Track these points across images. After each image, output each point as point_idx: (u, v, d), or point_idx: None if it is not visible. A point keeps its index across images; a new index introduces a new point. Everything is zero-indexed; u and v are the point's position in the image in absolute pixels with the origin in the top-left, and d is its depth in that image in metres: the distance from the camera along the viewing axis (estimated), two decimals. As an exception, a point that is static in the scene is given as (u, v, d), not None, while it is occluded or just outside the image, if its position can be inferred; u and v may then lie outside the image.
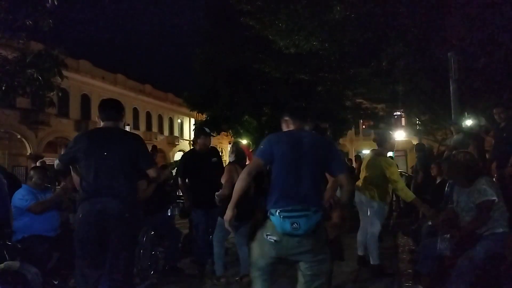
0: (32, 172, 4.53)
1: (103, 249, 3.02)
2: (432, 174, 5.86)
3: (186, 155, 5.95)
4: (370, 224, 4.68)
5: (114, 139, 3.16)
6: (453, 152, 3.86)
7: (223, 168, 4.79)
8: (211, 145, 5.37)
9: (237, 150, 4.76)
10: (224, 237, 4.60)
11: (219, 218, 4.44)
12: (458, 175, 3.47)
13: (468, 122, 7.80)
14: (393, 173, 4.53)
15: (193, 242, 5.31)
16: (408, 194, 4.52)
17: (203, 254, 4.99)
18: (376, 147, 4.93)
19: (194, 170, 5.09)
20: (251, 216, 4.55)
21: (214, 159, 5.14)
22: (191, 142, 38.77)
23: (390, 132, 5.30)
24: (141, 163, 3.19)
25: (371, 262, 4.68)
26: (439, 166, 5.58)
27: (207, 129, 5.52)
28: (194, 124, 24.10)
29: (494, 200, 3.30)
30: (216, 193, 4.26)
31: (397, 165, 5.66)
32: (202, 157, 5.10)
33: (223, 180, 4.37)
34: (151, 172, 3.25)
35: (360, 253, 4.88)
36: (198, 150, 5.26)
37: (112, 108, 3.32)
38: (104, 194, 3.03)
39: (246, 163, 4.60)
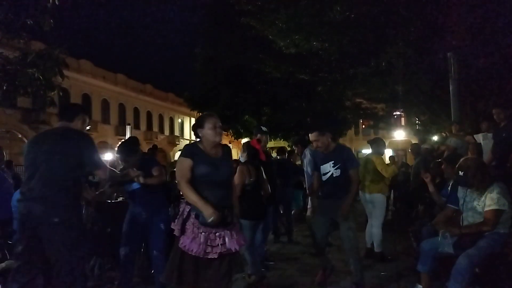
0: None
1: (38, 253, 2.93)
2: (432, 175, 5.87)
3: None
4: (374, 216, 5.53)
5: (53, 140, 3.05)
6: (464, 157, 3.89)
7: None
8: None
9: (248, 149, 4.73)
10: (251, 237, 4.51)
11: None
12: (473, 180, 3.49)
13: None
14: (378, 164, 5.47)
15: None
16: (390, 172, 5.55)
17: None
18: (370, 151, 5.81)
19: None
20: (263, 215, 4.60)
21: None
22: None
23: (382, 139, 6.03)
24: (87, 165, 3.08)
25: (375, 250, 5.50)
26: (440, 166, 5.59)
27: (264, 128, 5.51)
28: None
29: (505, 210, 3.33)
30: None
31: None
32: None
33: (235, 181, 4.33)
34: (99, 174, 3.16)
35: (368, 245, 5.65)
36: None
37: (66, 109, 3.30)
38: (30, 197, 2.93)
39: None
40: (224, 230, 2.82)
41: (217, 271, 2.81)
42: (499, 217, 3.35)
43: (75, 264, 2.95)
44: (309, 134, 4.32)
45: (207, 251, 2.76)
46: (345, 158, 4.19)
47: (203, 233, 2.77)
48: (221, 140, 3.00)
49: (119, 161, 4.36)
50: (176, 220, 2.91)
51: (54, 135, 3.12)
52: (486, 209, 3.39)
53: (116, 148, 4.44)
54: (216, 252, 2.78)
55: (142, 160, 4.21)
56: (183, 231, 2.84)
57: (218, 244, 2.79)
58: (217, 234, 2.80)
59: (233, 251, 2.87)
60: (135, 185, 3.99)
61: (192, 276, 2.79)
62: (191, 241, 2.77)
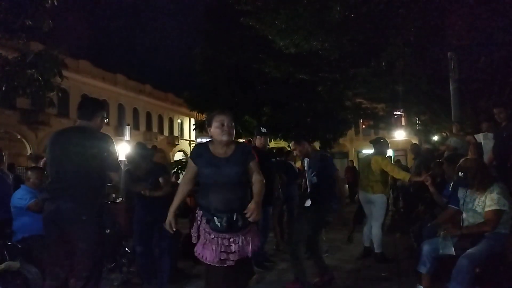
0: (29, 173, 4.55)
1: (67, 249, 3.00)
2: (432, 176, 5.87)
3: None
4: (374, 216, 5.49)
5: (78, 139, 3.08)
6: (465, 158, 3.88)
7: None
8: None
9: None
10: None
11: None
12: (473, 181, 3.48)
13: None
14: (386, 165, 5.33)
15: None
16: (404, 175, 5.28)
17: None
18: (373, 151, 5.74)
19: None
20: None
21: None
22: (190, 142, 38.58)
23: (386, 139, 6.00)
24: (105, 165, 3.10)
25: (375, 251, 5.47)
26: (440, 166, 5.58)
27: (263, 129, 5.48)
28: (194, 124, 24.10)
29: (505, 210, 3.32)
30: None
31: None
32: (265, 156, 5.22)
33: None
34: (114, 176, 3.18)
35: (366, 244, 5.70)
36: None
37: (85, 107, 3.28)
38: (59, 195, 3.00)
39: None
40: (238, 234, 2.67)
41: (236, 278, 2.70)
42: (500, 218, 3.34)
43: (98, 260, 3.05)
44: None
45: (222, 258, 2.63)
46: (321, 166, 4.23)
47: (214, 239, 2.65)
48: (229, 139, 2.77)
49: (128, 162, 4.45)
50: (193, 227, 2.86)
51: (77, 134, 3.14)
52: (487, 209, 3.38)
53: (131, 148, 4.57)
54: (233, 260, 2.64)
55: (152, 167, 4.31)
56: (199, 237, 2.75)
57: (235, 251, 2.65)
58: (231, 240, 2.65)
59: (248, 256, 2.74)
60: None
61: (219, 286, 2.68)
62: (203, 248, 2.68)
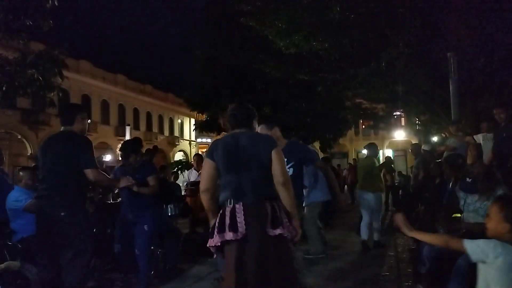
0: (21, 173, 4.54)
1: (54, 247, 3.29)
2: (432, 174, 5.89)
3: None
4: (376, 212, 6.43)
5: (56, 145, 3.42)
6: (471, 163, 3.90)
7: None
8: None
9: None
10: None
11: None
12: (482, 187, 3.48)
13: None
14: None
15: None
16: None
17: None
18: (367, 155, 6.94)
19: None
20: None
21: None
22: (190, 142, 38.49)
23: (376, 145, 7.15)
24: (81, 164, 3.32)
25: (375, 239, 6.38)
26: (440, 166, 5.58)
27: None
28: (194, 124, 24.12)
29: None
30: None
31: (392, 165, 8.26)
32: None
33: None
34: (88, 174, 3.34)
35: (364, 237, 6.26)
36: None
37: (64, 114, 3.57)
38: (42, 195, 3.36)
39: None
40: None
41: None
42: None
43: (80, 254, 3.25)
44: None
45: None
46: (300, 156, 3.87)
47: None
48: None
49: (120, 158, 4.55)
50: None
51: (57, 140, 3.47)
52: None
53: (119, 145, 4.65)
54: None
55: (141, 163, 4.33)
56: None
57: None
58: None
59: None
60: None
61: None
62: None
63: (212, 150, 2.73)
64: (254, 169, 2.60)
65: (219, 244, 2.54)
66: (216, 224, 2.57)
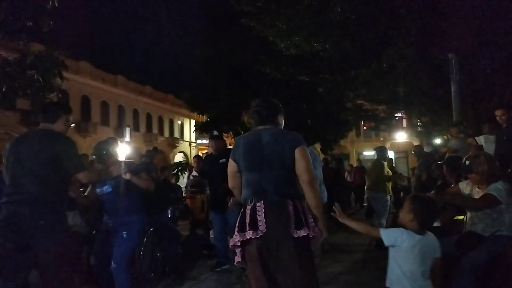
0: None
1: (25, 258, 2.89)
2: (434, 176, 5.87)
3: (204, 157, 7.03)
4: (380, 211, 7.00)
5: (35, 142, 3.00)
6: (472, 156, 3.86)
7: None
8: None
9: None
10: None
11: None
12: (478, 168, 3.46)
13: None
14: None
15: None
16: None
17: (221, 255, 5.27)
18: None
19: (207, 172, 5.67)
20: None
21: (222, 160, 4.86)
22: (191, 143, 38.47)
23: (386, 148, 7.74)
24: (67, 167, 3.01)
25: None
26: (441, 168, 5.55)
27: (215, 132, 5.56)
28: (194, 126, 24.11)
29: (500, 202, 3.28)
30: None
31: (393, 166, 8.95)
32: (213, 159, 5.34)
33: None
34: (80, 178, 3.07)
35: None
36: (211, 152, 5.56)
37: (48, 110, 3.26)
38: (15, 199, 2.89)
39: None
40: None
41: None
42: (491, 204, 3.27)
43: (61, 266, 2.88)
44: None
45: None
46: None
47: None
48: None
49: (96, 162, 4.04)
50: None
51: (36, 137, 3.06)
52: (486, 191, 3.35)
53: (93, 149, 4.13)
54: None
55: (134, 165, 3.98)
56: None
57: None
58: None
59: None
60: (106, 189, 3.72)
61: None
62: None
63: (233, 149, 2.71)
64: (276, 167, 2.53)
65: (239, 244, 2.50)
66: (237, 224, 2.54)
